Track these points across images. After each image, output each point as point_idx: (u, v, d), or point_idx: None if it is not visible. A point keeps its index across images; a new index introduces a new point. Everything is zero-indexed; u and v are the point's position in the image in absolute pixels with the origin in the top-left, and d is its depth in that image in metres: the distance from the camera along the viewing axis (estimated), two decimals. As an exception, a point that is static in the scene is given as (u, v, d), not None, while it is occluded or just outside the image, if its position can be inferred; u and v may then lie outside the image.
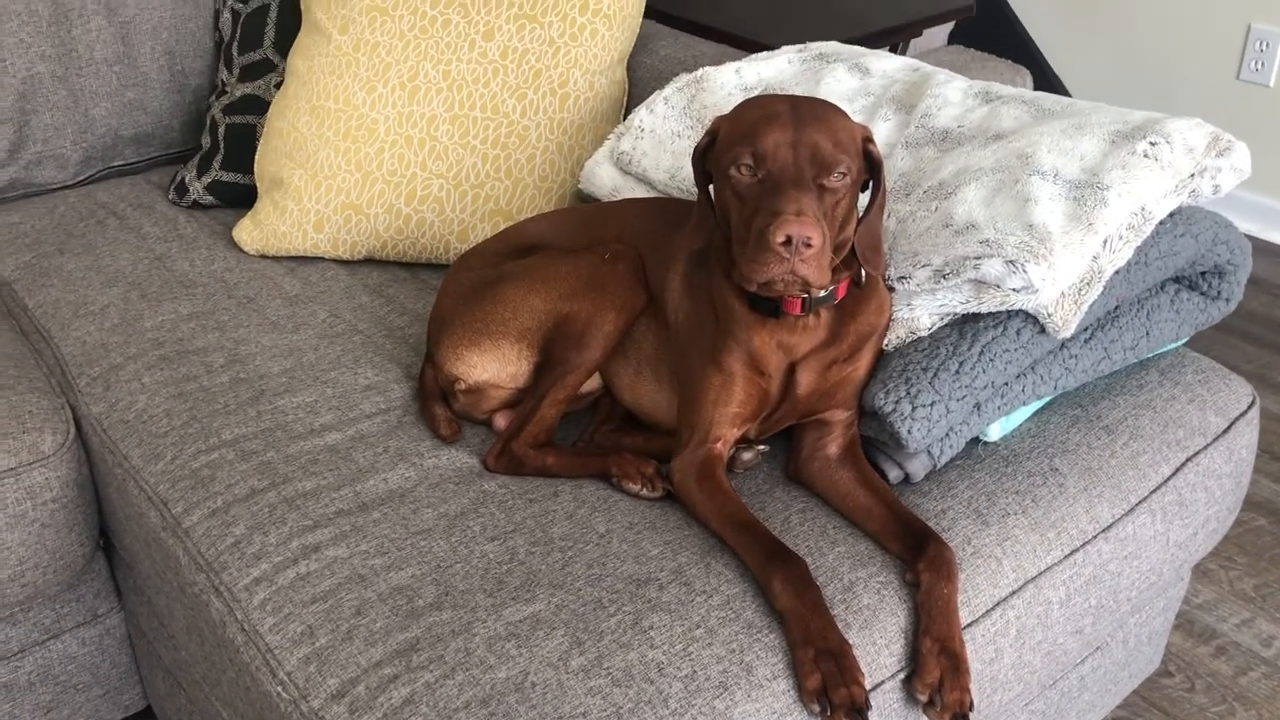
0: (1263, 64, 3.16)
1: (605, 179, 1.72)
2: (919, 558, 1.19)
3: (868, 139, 1.22)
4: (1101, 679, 1.58)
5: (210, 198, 2.02)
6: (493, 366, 1.42)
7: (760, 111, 1.19)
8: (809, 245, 1.11)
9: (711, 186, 1.28)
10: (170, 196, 2.05)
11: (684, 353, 1.36)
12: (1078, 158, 1.36)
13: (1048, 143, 1.39)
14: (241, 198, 2.00)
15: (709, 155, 1.27)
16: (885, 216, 1.36)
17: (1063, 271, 1.25)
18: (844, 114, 1.22)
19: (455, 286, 1.50)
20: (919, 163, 1.49)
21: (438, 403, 1.46)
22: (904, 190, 1.45)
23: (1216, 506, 1.46)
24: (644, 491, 1.32)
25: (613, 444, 1.42)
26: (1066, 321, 1.28)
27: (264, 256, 1.87)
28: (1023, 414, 1.39)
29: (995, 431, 1.36)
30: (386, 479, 1.34)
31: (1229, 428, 1.46)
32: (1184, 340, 1.51)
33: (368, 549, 1.24)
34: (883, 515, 1.25)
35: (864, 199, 1.27)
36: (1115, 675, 1.62)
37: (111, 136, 2.13)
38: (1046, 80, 3.62)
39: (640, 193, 1.69)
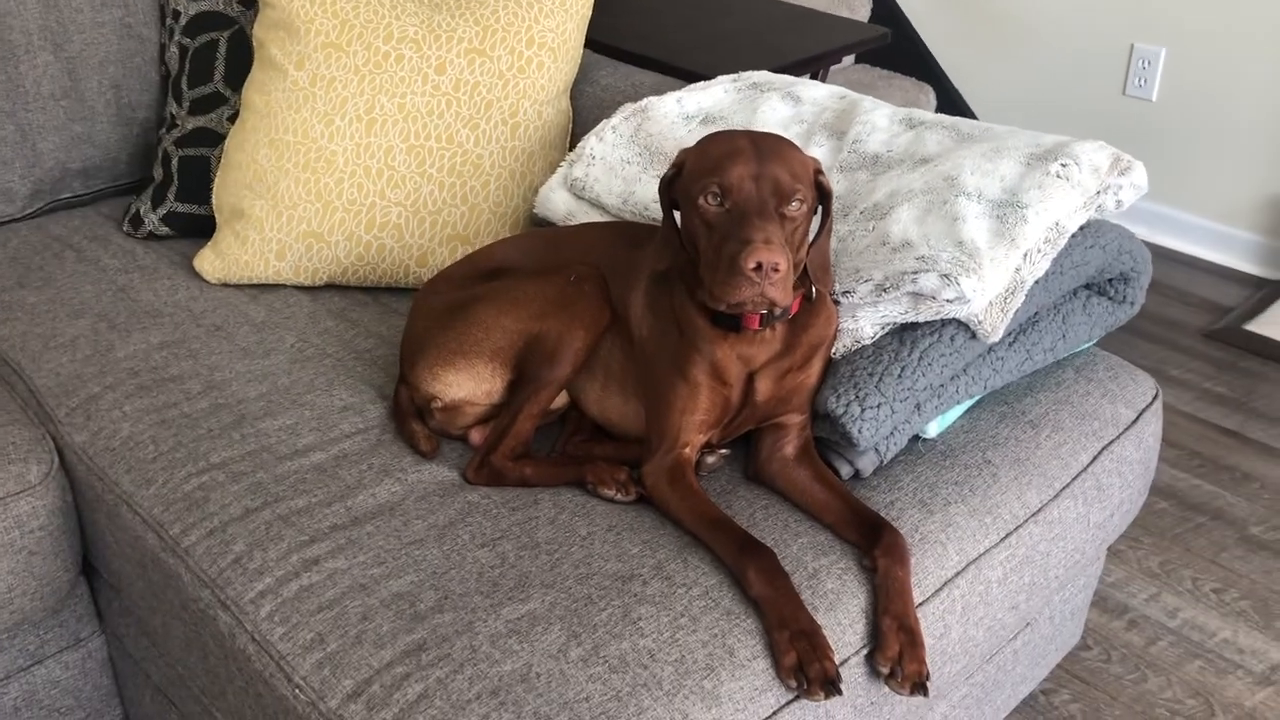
0: (1145, 80, 3.39)
1: (560, 204, 1.82)
2: (874, 545, 1.32)
3: (818, 170, 1.35)
4: (1031, 653, 1.73)
5: (166, 229, 2.07)
6: (468, 385, 1.51)
7: (724, 147, 1.31)
8: (777, 270, 1.23)
9: (677, 213, 1.39)
10: (125, 228, 2.09)
11: (649, 366, 1.46)
12: (998, 179, 1.50)
13: (970, 165, 1.53)
14: (197, 228, 2.05)
15: (675, 184, 1.38)
16: (829, 237, 1.48)
17: (991, 283, 1.39)
18: (797, 148, 1.35)
19: (426, 310, 1.59)
20: (854, 185, 1.62)
21: (414, 420, 1.55)
22: (842, 211, 1.58)
23: (1129, 490, 1.62)
24: (618, 496, 1.43)
25: (585, 453, 1.52)
26: (995, 328, 1.42)
27: (226, 285, 1.93)
28: (956, 412, 1.53)
29: (933, 429, 1.50)
30: (375, 494, 1.43)
31: (1137, 419, 1.62)
32: (1095, 341, 1.67)
33: (365, 560, 1.32)
34: (839, 508, 1.38)
35: (813, 224, 1.39)
36: (1043, 649, 1.77)
37: (59, 169, 2.17)
38: (948, 97, 3.82)
39: (594, 216, 1.80)
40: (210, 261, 1.93)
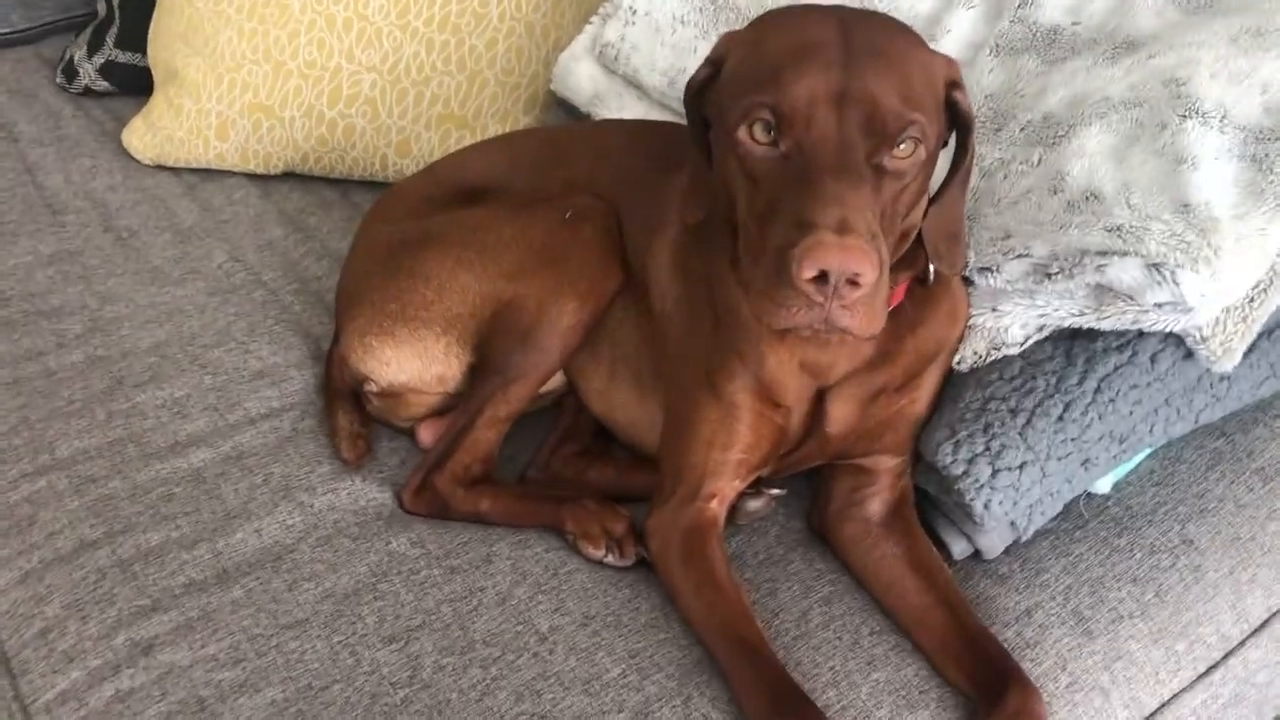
0: None
1: (584, 79, 1.29)
2: (993, 707, 0.82)
3: (952, 82, 0.80)
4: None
5: (104, 83, 1.61)
6: (412, 365, 1.04)
7: (792, 38, 0.77)
8: (856, 284, 0.70)
9: (712, 134, 0.86)
10: (58, 79, 1.64)
11: (672, 359, 0.97)
12: (1257, 88, 0.92)
13: (1209, 60, 0.94)
14: (143, 83, 1.58)
15: (709, 93, 0.85)
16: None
17: (1231, 280, 0.83)
18: (918, 41, 0.80)
19: (368, 245, 1.11)
20: (1014, 79, 1.05)
21: (344, 406, 1.09)
22: (992, 123, 1.02)
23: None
24: (610, 559, 0.96)
25: (574, 477, 1.05)
26: (1230, 348, 0.87)
27: (160, 167, 1.47)
28: (1143, 453, 0.99)
29: (1106, 483, 0.97)
30: (260, 530, 0.99)
31: None
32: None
33: (216, 652, 0.89)
34: (942, 625, 0.88)
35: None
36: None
37: (-9, -3, 1.72)
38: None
39: (629, 99, 1.27)
40: (141, 135, 1.47)
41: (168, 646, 0.90)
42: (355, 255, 1.12)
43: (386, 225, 1.11)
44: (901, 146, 0.75)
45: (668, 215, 0.99)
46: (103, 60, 1.60)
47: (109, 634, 0.91)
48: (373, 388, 1.06)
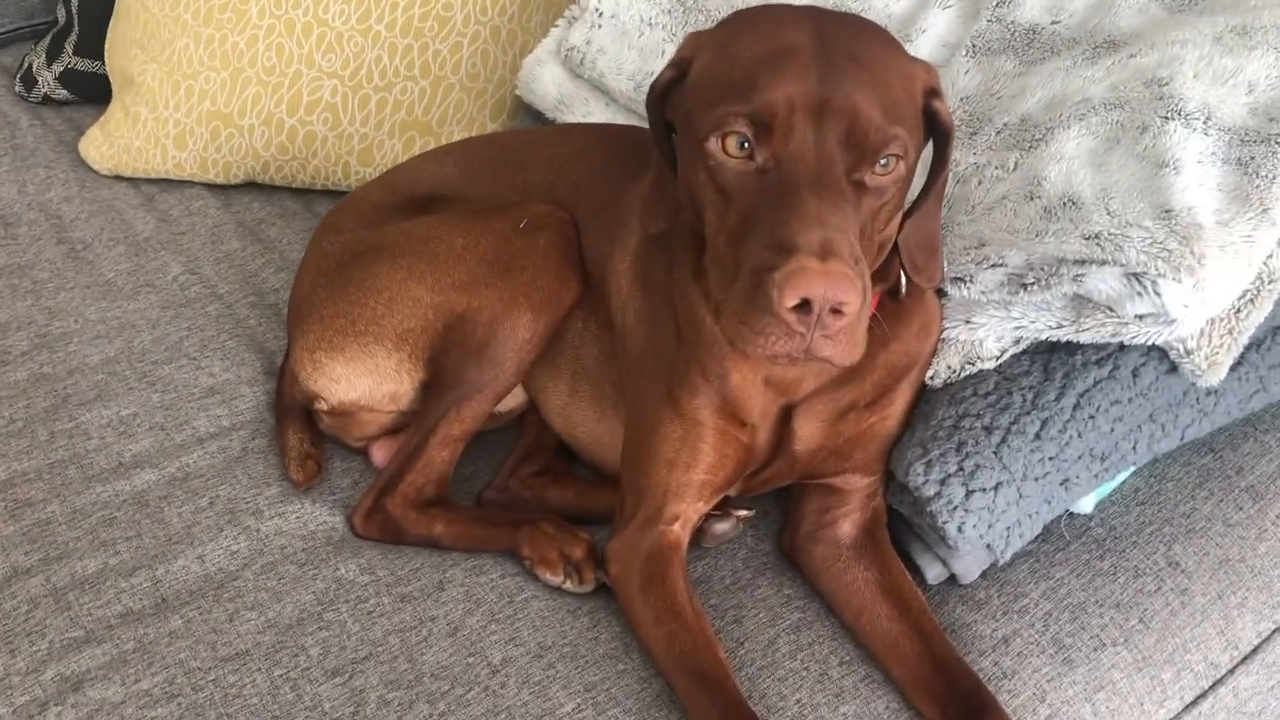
0: None
1: (549, 85, 1.25)
2: (966, 740, 0.78)
3: (931, 90, 0.75)
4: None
5: (64, 91, 1.57)
6: (363, 382, 0.99)
7: (766, 41, 0.73)
8: (840, 313, 0.66)
9: (677, 140, 0.82)
10: (16, 88, 1.59)
11: (633, 374, 0.92)
12: (1243, 89, 0.88)
13: (1194, 59, 0.90)
14: (103, 92, 1.54)
15: (674, 96, 0.80)
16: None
17: (1216, 290, 0.79)
18: (897, 48, 0.76)
19: (319, 257, 1.06)
20: (990, 81, 1.01)
21: (294, 425, 1.05)
22: (968, 126, 0.97)
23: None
24: (568, 585, 0.92)
25: (532, 498, 1.01)
26: (1215, 362, 0.83)
27: (118, 178, 1.43)
28: (1127, 470, 0.95)
29: (1088, 502, 0.93)
30: (203, 556, 0.95)
31: None
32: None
33: (150, 687, 0.85)
34: (915, 654, 0.84)
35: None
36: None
37: (-50, 5, 1.67)
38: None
39: (595, 104, 1.23)
40: (98, 145, 1.42)
41: (99, 681, 0.85)
42: (306, 267, 1.07)
43: (338, 236, 1.06)
44: (881, 163, 0.71)
45: (629, 224, 0.95)
46: (62, 68, 1.56)
47: (39, 666, 0.87)
48: (323, 406, 1.02)
